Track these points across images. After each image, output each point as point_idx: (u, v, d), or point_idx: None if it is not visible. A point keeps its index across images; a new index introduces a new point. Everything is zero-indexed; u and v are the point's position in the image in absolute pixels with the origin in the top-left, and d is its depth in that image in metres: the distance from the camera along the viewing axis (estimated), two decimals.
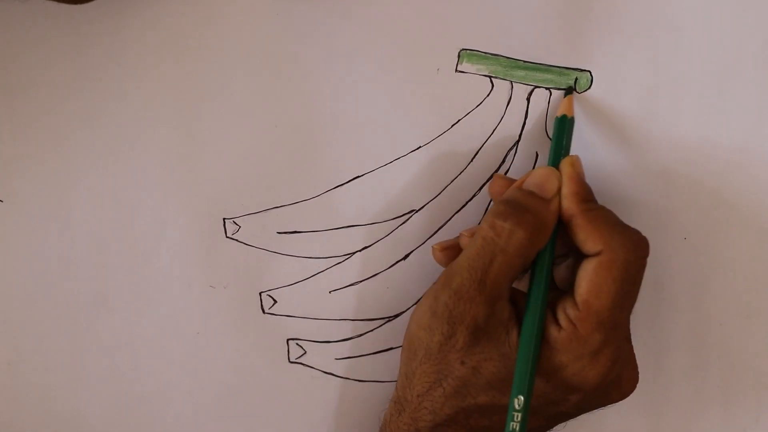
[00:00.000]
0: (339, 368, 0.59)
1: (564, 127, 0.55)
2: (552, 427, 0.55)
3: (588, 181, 0.56)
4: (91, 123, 0.56)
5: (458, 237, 0.55)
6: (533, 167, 0.57)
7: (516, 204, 0.52)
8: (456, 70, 0.55)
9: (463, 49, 0.55)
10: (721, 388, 0.59)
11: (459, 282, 0.51)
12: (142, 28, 0.55)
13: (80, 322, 0.59)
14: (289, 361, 0.59)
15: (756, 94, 0.56)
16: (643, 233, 0.56)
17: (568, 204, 0.52)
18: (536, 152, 0.57)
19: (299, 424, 0.60)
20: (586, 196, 0.52)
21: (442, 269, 0.54)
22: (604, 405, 0.54)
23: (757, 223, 0.57)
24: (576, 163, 0.53)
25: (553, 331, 0.51)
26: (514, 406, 0.50)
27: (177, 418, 0.60)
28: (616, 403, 0.56)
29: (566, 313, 0.51)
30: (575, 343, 0.50)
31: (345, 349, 0.59)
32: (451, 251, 0.55)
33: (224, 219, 0.58)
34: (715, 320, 0.59)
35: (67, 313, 0.59)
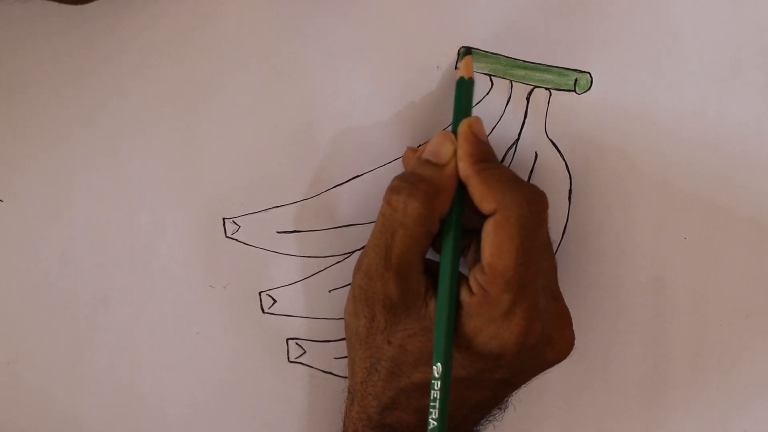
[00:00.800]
0: (338, 367, 0.59)
1: (462, 89, 0.54)
2: (502, 398, 0.54)
3: (587, 181, 0.56)
4: (91, 123, 0.57)
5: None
6: (532, 167, 0.57)
7: (410, 176, 0.51)
8: (456, 68, 0.55)
9: (463, 47, 0.55)
10: (721, 389, 0.59)
11: (367, 263, 0.51)
12: (142, 27, 0.55)
13: (80, 322, 0.59)
14: (289, 361, 0.59)
15: (756, 95, 0.56)
16: (643, 233, 0.56)
17: (464, 165, 0.51)
18: (535, 152, 0.57)
19: (299, 424, 0.60)
20: (481, 156, 0.51)
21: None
22: (542, 367, 0.53)
23: (756, 223, 0.57)
24: (474, 124, 0.52)
25: (465, 298, 0.50)
26: (434, 374, 0.49)
27: (177, 417, 0.60)
28: (615, 405, 0.57)
29: (476, 278, 0.50)
30: (486, 306, 0.50)
31: (344, 348, 0.59)
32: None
33: (224, 219, 0.58)
34: (715, 320, 0.58)
35: (67, 313, 0.59)
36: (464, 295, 0.50)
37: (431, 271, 0.52)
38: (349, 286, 0.53)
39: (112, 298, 0.59)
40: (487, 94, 0.56)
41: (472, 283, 0.51)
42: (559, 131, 0.56)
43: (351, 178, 0.57)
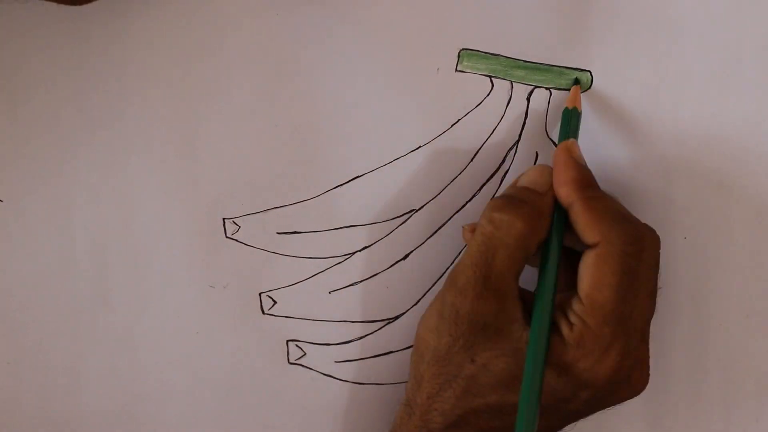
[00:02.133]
0: (339, 370, 0.59)
1: (567, 119, 0.54)
2: (563, 427, 0.54)
3: None
4: (91, 123, 0.56)
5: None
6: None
7: (511, 197, 0.52)
8: (456, 70, 0.55)
9: (463, 49, 0.55)
10: (721, 388, 0.59)
11: (464, 281, 0.51)
12: (143, 29, 0.55)
13: (80, 322, 0.59)
14: (289, 363, 0.59)
15: (756, 94, 0.56)
16: None
17: (566, 191, 0.51)
18: (536, 152, 0.57)
19: (298, 426, 0.60)
20: (585, 182, 0.52)
21: (443, 268, 0.54)
22: (613, 403, 0.53)
23: (757, 222, 0.57)
24: (572, 148, 0.53)
25: (564, 327, 0.51)
26: (521, 397, 0.50)
27: (176, 418, 0.60)
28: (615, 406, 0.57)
29: (574, 309, 0.51)
30: (586, 338, 0.50)
31: (345, 351, 0.59)
32: None
33: (224, 219, 0.58)
34: (715, 320, 0.59)
35: (67, 313, 0.59)
36: (562, 325, 0.51)
37: (523, 297, 0.52)
38: (434, 301, 0.53)
39: (112, 298, 0.59)
40: (488, 95, 0.56)
41: (570, 313, 0.51)
42: (559, 131, 0.56)
43: (351, 178, 0.57)
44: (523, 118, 0.56)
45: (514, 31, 0.55)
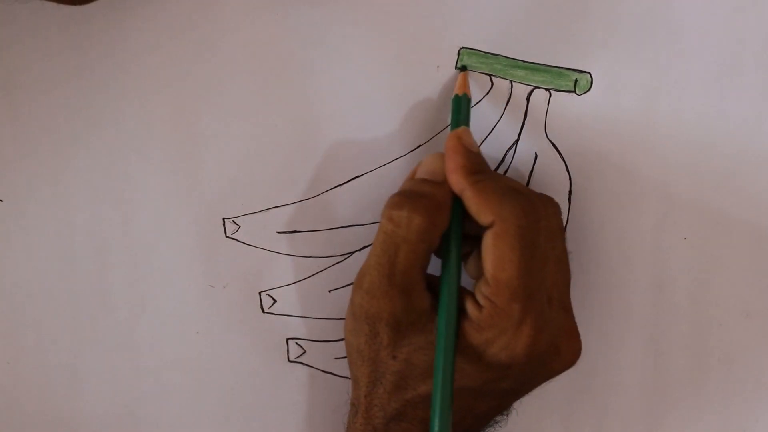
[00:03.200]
0: (339, 367, 0.59)
1: (457, 105, 0.54)
2: (507, 406, 0.54)
3: (587, 181, 0.56)
4: (91, 123, 0.57)
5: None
6: (532, 168, 0.57)
7: (409, 192, 0.52)
8: (456, 69, 0.55)
9: (463, 48, 0.55)
10: (721, 388, 0.59)
11: (369, 281, 0.51)
12: (142, 28, 0.55)
13: (80, 322, 0.59)
14: (289, 361, 0.59)
15: (756, 95, 0.56)
16: (643, 233, 0.56)
17: (457, 178, 0.51)
18: (535, 152, 0.57)
19: (299, 424, 0.60)
20: (474, 168, 0.52)
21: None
22: (548, 376, 0.53)
23: (756, 223, 0.57)
24: (462, 135, 0.53)
25: (473, 311, 0.50)
26: (434, 386, 0.50)
27: (176, 417, 0.60)
28: (615, 404, 0.57)
29: (482, 291, 0.50)
30: (496, 317, 0.50)
31: (345, 348, 0.59)
32: None
33: (224, 219, 0.58)
34: (715, 320, 0.59)
35: (67, 313, 0.59)
36: (471, 308, 0.51)
37: (433, 286, 0.52)
38: (349, 303, 0.53)
39: (112, 298, 0.59)
40: (487, 94, 0.56)
41: (478, 295, 0.51)
42: (559, 132, 0.56)
43: (351, 178, 0.57)
44: (522, 119, 0.56)
45: (514, 31, 0.55)
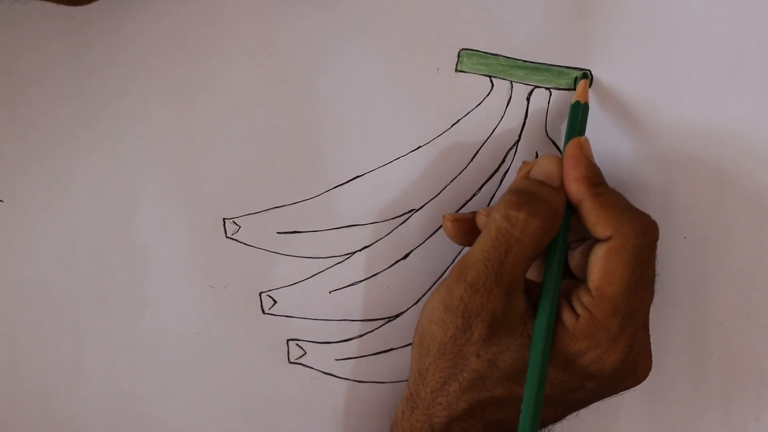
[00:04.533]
0: (339, 369, 0.59)
1: (577, 113, 0.54)
2: (566, 416, 0.54)
3: None
4: (91, 123, 0.56)
5: (472, 213, 0.54)
6: None
7: (528, 193, 0.51)
8: (456, 70, 0.55)
9: (463, 49, 0.55)
10: (721, 387, 0.59)
11: (474, 274, 0.51)
12: (142, 28, 0.55)
13: (80, 322, 0.59)
14: (289, 362, 0.59)
15: (756, 94, 0.56)
16: None
17: (577, 187, 0.51)
18: (536, 152, 0.57)
19: (299, 425, 0.60)
20: (594, 179, 0.52)
21: (443, 267, 0.54)
22: (619, 392, 0.53)
23: (757, 222, 0.57)
24: (584, 145, 0.53)
25: (569, 319, 0.51)
26: (525, 393, 0.50)
27: (177, 418, 0.60)
28: (615, 404, 0.57)
29: (581, 300, 0.51)
30: (593, 329, 0.50)
31: (345, 349, 0.59)
32: (462, 224, 0.54)
33: (224, 219, 0.58)
34: (715, 319, 0.59)
35: (67, 313, 0.59)
36: (567, 316, 0.51)
37: (528, 290, 0.52)
38: (438, 292, 0.52)
39: (112, 298, 0.59)
40: (488, 95, 0.56)
41: (576, 304, 0.51)
42: (559, 131, 0.57)
43: (351, 178, 0.57)
44: (523, 118, 0.56)
45: (514, 31, 0.55)
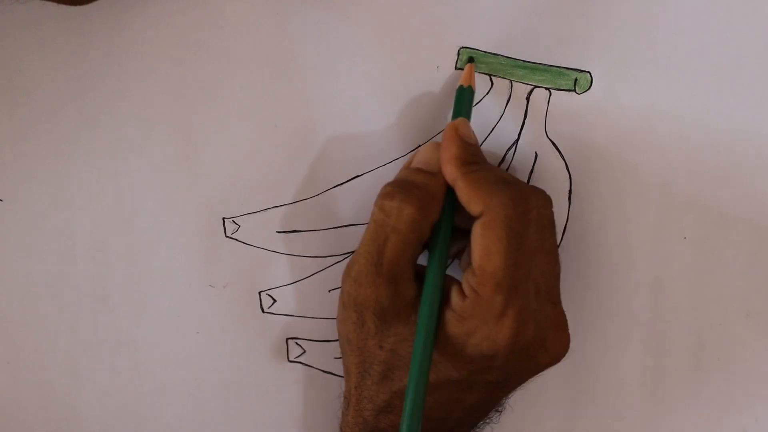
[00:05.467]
0: (338, 367, 0.59)
1: (461, 96, 0.54)
2: (498, 400, 0.54)
3: (587, 181, 0.56)
4: (92, 123, 0.57)
5: None
6: (532, 167, 0.57)
7: (402, 182, 0.51)
8: (456, 68, 0.55)
9: (463, 48, 0.55)
10: (721, 388, 0.59)
11: (357, 269, 0.51)
12: (142, 28, 0.55)
13: (80, 322, 0.59)
14: (289, 360, 0.59)
15: (756, 95, 0.56)
16: (643, 233, 0.56)
17: (450, 168, 0.51)
18: (535, 152, 0.57)
19: (298, 424, 0.60)
20: (467, 158, 0.51)
21: None
22: (536, 370, 0.53)
23: (756, 222, 0.57)
24: (459, 126, 0.52)
25: (458, 301, 0.50)
26: (409, 378, 0.49)
27: (177, 417, 0.60)
28: (615, 405, 0.56)
29: (468, 281, 0.50)
30: (478, 307, 0.50)
31: None
32: None
33: (224, 218, 0.58)
34: (715, 320, 0.58)
35: (67, 313, 0.59)
36: (456, 298, 0.51)
37: (421, 278, 0.52)
38: (340, 292, 0.53)
39: (112, 298, 0.59)
40: (487, 94, 0.56)
41: (464, 286, 0.51)
42: (559, 131, 0.56)
43: (351, 178, 0.57)
44: (523, 118, 0.56)
45: (514, 31, 0.55)
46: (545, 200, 0.51)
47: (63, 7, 0.54)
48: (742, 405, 0.60)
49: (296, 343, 0.59)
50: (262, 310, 0.59)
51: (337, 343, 0.58)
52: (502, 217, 0.49)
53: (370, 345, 0.51)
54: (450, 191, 0.51)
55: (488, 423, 0.55)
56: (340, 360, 0.59)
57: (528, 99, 0.56)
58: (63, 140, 0.57)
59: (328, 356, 0.59)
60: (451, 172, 0.51)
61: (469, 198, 0.50)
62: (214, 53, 0.56)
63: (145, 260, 0.58)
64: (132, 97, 0.56)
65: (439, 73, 0.55)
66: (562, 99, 0.56)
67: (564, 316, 0.53)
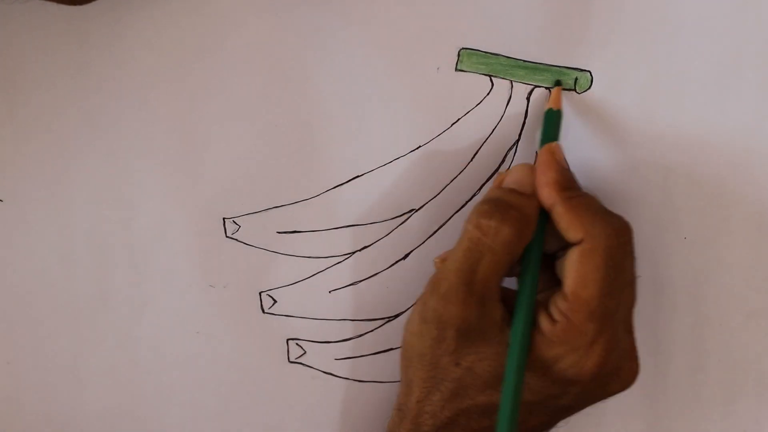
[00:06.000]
0: (339, 368, 0.59)
1: (551, 120, 0.54)
2: (555, 423, 0.54)
3: (587, 181, 0.56)
4: (91, 123, 0.56)
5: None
6: None
7: (499, 201, 0.51)
8: (456, 69, 0.55)
9: (463, 48, 0.55)
10: (721, 389, 0.59)
11: (447, 286, 0.51)
12: (142, 28, 0.55)
13: (80, 322, 0.59)
14: (289, 361, 0.59)
15: (756, 94, 0.56)
16: (643, 233, 0.56)
17: (549, 192, 0.51)
18: (536, 152, 0.57)
19: (298, 425, 0.60)
20: (566, 183, 0.52)
21: None
22: (604, 397, 0.53)
23: (756, 222, 0.57)
24: (555, 151, 0.53)
25: (546, 325, 0.51)
26: (502, 398, 0.50)
27: (177, 417, 0.60)
28: (615, 404, 0.56)
29: (558, 306, 0.51)
30: (569, 334, 0.50)
31: (345, 349, 0.59)
32: None
33: (224, 219, 0.58)
34: (715, 320, 0.58)
35: (67, 313, 0.59)
36: (544, 322, 0.51)
37: (505, 298, 0.52)
38: (416, 305, 0.53)
39: (112, 298, 0.59)
40: (488, 94, 0.56)
41: (552, 310, 0.51)
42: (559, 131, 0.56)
43: (351, 178, 0.57)
44: (523, 118, 0.56)
45: (514, 31, 0.55)
46: (632, 231, 0.52)
47: (63, 7, 0.54)
48: (743, 406, 0.60)
49: (297, 344, 0.59)
50: (263, 311, 0.59)
51: (339, 344, 0.58)
52: (603, 246, 0.50)
53: (445, 361, 0.51)
54: (541, 215, 0.52)
55: None
56: (341, 361, 0.59)
57: (528, 99, 0.56)
58: (63, 140, 0.57)
59: (329, 357, 0.59)
60: (549, 197, 0.51)
61: (569, 224, 0.50)
62: (214, 53, 0.56)
63: (145, 260, 0.58)
64: (132, 97, 0.56)
65: (439, 74, 0.55)
66: (562, 98, 0.56)
67: (635, 346, 0.53)
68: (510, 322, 0.51)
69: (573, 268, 0.50)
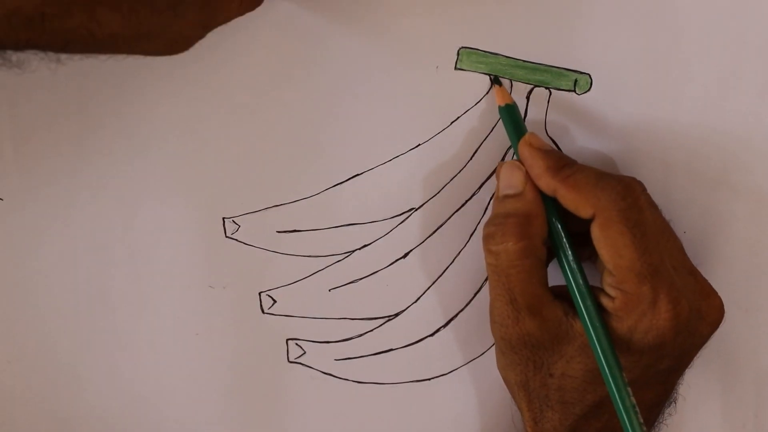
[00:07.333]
0: (338, 369, 0.59)
1: (508, 116, 0.54)
2: (673, 388, 0.55)
3: None
4: (91, 123, 0.56)
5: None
6: None
7: (496, 217, 0.52)
8: (455, 68, 0.55)
9: (463, 47, 0.55)
10: (720, 383, 0.59)
11: (498, 313, 0.52)
12: None
13: (80, 322, 0.59)
14: (289, 361, 0.59)
15: (756, 95, 0.56)
16: None
17: (545, 181, 0.51)
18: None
19: (298, 425, 0.60)
20: (557, 164, 0.52)
21: (443, 266, 0.54)
22: (701, 343, 0.53)
23: (755, 218, 0.57)
24: (532, 141, 0.53)
25: (608, 304, 0.51)
26: (608, 383, 0.50)
27: (176, 418, 0.60)
28: None
29: (608, 282, 0.51)
30: (630, 304, 0.50)
31: (344, 349, 0.59)
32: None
33: (224, 218, 0.58)
34: None
35: (67, 313, 0.59)
36: (605, 301, 0.51)
37: (562, 295, 0.52)
38: (495, 343, 0.54)
39: (113, 298, 0.59)
40: (487, 93, 0.56)
41: (606, 288, 0.51)
42: (559, 130, 0.57)
43: (351, 176, 0.57)
44: (523, 117, 0.56)
45: (514, 31, 0.55)
46: (642, 185, 0.52)
47: None
48: (742, 400, 0.60)
49: (296, 344, 0.59)
50: (262, 311, 0.59)
51: (338, 344, 0.58)
52: (615, 213, 0.50)
53: (539, 379, 0.52)
54: (550, 201, 0.52)
55: (663, 422, 0.56)
56: (341, 362, 0.59)
57: (528, 98, 0.56)
58: (63, 140, 0.57)
59: (329, 357, 0.59)
60: (548, 184, 0.51)
61: (576, 204, 0.51)
62: (214, 53, 0.56)
63: (145, 260, 0.58)
64: (132, 97, 0.56)
65: (438, 73, 0.55)
66: (562, 99, 0.56)
67: (707, 281, 0.53)
68: (575, 315, 0.52)
69: (601, 244, 0.50)
